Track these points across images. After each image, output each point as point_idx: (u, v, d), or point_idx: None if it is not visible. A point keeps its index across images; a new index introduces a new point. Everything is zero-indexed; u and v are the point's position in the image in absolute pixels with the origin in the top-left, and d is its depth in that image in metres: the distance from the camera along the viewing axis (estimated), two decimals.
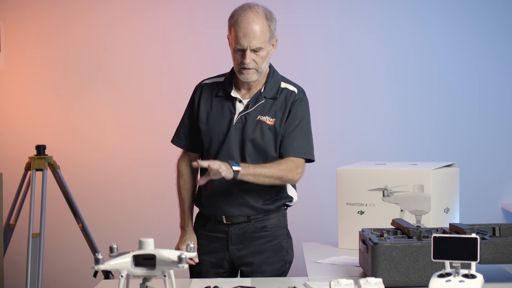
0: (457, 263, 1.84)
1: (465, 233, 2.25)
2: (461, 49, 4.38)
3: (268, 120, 2.65)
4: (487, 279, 1.95)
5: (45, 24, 4.46)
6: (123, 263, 1.82)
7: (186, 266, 1.80)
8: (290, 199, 2.76)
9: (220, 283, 2.37)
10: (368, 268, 2.29)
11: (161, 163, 4.29)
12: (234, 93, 2.68)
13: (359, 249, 2.48)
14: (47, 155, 3.62)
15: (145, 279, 1.89)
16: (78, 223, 3.73)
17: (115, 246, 1.87)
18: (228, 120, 2.66)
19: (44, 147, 3.62)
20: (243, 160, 2.62)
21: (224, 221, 2.69)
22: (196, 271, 2.74)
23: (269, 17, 2.58)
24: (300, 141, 2.66)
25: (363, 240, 2.41)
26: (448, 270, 1.86)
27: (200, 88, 2.76)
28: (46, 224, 3.56)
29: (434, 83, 4.39)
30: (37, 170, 3.56)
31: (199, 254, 2.72)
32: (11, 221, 3.65)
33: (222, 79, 2.75)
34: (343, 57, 4.41)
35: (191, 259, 2.69)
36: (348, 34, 4.39)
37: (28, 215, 3.48)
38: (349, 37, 4.39)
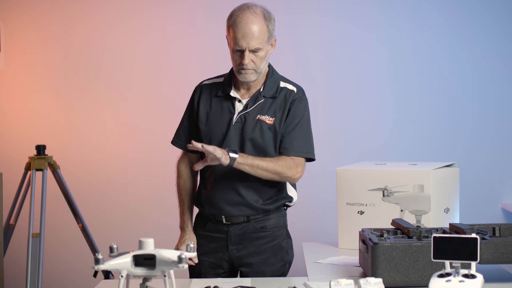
0: (457, 263, 1.84)
1: (465, 233, 2.25)
2: (460, 49, 4.38)
3: (268, 120, 2.65)
4: (487, 279, 1.95)
5: (45, 24, 4.46)
6: (123, 263, 1.82)
7: (186, 266, 1.80)
8: (290, 199, 2.76)
9: (220, 283, 2.37)
10: (368, 268, 2.29)
11: (161, 163, 4.29)
12: (233, 93, 2.68)
13: (359, 249, 2.48)
14: (47, 155, 3.62)
15: (145, 279, 1.89)
16: (78, 223, 3.73)
17: (115, 246, 1.87)
18: (228, 120, 2.66)
19: (44, 147, 3.62)
20: None
21: (224, 221, 2.69)
22: (195, 272, 2.74)
23: (267, 17, 2.58)
24: (300, 140, 2.66)
25: (363, 240, 2.41)
26: (448, 270, 1.86)
27: (200, 89, 2.76)
28: (46, 224, 3.56)
29: (434, 83, 4.39)
30: (37, 170, 3.56)
31: (199, 255, 2.72)
32: (11, 221, 3.65)
33: (221, 79, 2.76)
34: (342, 57, 4.41)
35: (190, 259, 2.69)
36: (348, 34, 4.39)
37: (28, 215, 3.48)
38: (348, 37, 4.39)
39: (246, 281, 2.45)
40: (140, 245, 1.85)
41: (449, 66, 4.39)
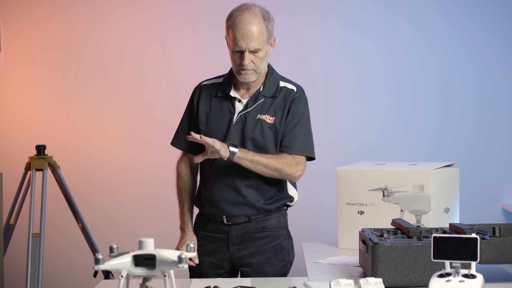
0: (457, 263, 1.84)
1: (465, 233, 2.25)
2: (460, 49, 4.38)
3: (268, 119, 2.65)
4: (487, 279, 1.95)
5: (45, 24, 4.46)
6: (123, 263, 1.82)
7: (186, 266, 1.80)
8: (291, 199, 2.76)
9: (220, 283, 2.37)
10: (368, 268, 2.29)
11: (161, 163, 4.28)
12: (233, 93, 2.68)
13: (359, 249, 2.48)
14: (47, 155, 3.62)
15: (145, 279, 1.89)
16: (78, 223, 3.73)
17: (115, 246, 1.87)
18: (228, 120, 2.66)
19: (44, 147, 3.62)
20: None
21: (225, 221, 2.69)
22: (196, 272, 2.74)
23: (266, 17, 2.58)
24: (301, 138, 2.66)
25: (363, 240, 2.41)
26: (448, 270, 1.86)
27: (199, 89, 2.76)
28: (46, 224, 3.56)
29: (434, 83, 4.39)
30: (37, 170, 3.56)
31: (199, 255, 2.72)
32: (11, 221, 3.65)
33: (220, 79, 2.76)
34: (342, 57, 4.41)
35: (191, 260, 2.69)
36: (348, 34, 4.39)
37: (28, 215, 3.48)
38: (348, 37, 4.39)
39: (246, 281, 2.45)
40: (140, 245, 1.85)
41: (449, 66, 4.39)
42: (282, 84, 2.71)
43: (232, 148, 2.53)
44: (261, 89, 2.68)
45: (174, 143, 2.80)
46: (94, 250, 3.70)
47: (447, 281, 1.82)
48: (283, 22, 4.04)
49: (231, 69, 2.71)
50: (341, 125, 4.40)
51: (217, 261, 2.72)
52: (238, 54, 2.57)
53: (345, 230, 2.94)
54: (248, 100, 2.67)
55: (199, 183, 2.81)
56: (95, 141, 4.46)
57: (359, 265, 2.51)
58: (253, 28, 2.53)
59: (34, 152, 3.63)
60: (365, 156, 4.16)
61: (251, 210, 2.67)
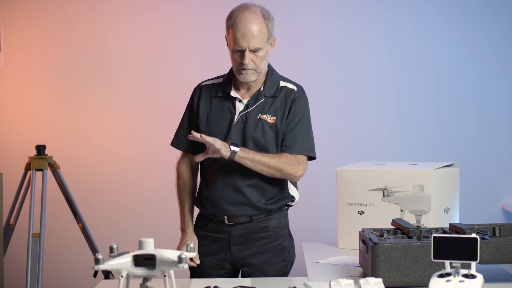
0: (457, 263, 1.84)
1: (465, 233, 2.25)
2: (460, 49, 4.38)
3: (269, 119, 2.65)
4: (487, 279, 1.95)
5: (45, 24, 4.46)
6: (123, 263, 1.82)
7: (186, 266, 1.80)
8: (292, 198, 2.76)
9: (220, 283, 2.37)
10: (368, 268, 2.29)
11: (161, 163, 4.28)
12: (233, 93, 2.68)
13: (359, 249, 2.48)
14: (47, 155, 3.62)
15: (145, 279, 1.89)
16: (78, 223, 3.73)
17: (115, 246, 1.87)
18: (229, 120, 2.66)
19: (44, 147, 3.62)
20: None
21: (226, 222, 2.69)
22: (197, 272, 2.74)
23: (266, 17, 2.59)
24: (301, 138, 2.67)
25: (363, 240, 2.41)
26: (448, 270, 1.86)
27: (199, 90, 2.76)
28: (46, 224, 3.56)
29: (434, 83, 4.39)
30: (37, 170, 3.56)
31: (200, 255, 2.72)
32: (11, 221, 3.65)
33: (220, 80, 2.76)
34: (342, 57, 4.41)
35: (192, 260, 2.69)
36: (348, 34, 4.39)
37: (28, 215, 3.48)
38: (348, 37, 4.39)
39: (246, 281, 2.45)
40: (140, 245, 1.85)
41: (449, 66, 4.39)
42: (282, 84, 2.71)
43: (233, 147, 2.54)
44: (261, 89, 2.68)
45: (174, 143, 2.80)
46: (94, 250, 3.70)
47: (447, 281, 1.82)
48: (283, 22, 4.04)
49: (231, 69, 2.71)
50: (341, 125, 4.40)
51: (218, 261, 2.72)
52: (238, 54, 2.57)
53: (345, 230, 2.94)
54: (248, 100, 2.67)
55: (200, 183, 2.81)
56: (95, 141, 4.46)
57: (359, 265, 2.51)
58: (253, 27, 2.54)
59: (34, 152, 3.63)
60: (365, 156, 4.16)
61: (252, 210, 2.67)
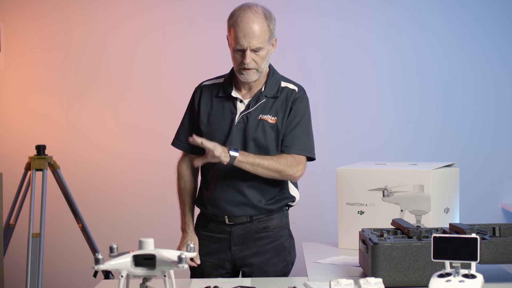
0: (457, 263, 1.84)
1: (465, 233, 2.25)
2: (460, 49, 4.38)
3: (270, 119, 2.65)
4: (487, 279, 1.95)
5: (45, 24, 4.46)
6: (123, 263, 1.82)
7: (186, 266, 1.80)
8: (293, 199, 2.76)
9: (220, 283, 2.37)
10: (368, 268, 2.29)
11: (161, 163, 4.29)
12: (234, 93, 2.68)
13: (359, 249, 2.48)
14: (47, 155, 3.62)
15: (145, 279, 1.89)
16: (78, 223, 3.73)
17: (115, 246, 1.87)
18: (230, 120, 2.66)
19: (44, 147, 3.62)
20: None
21: (227, 222, 2.69)
22: (198, 272, 2.74)
23: (268, 16, 2.58)
24: (301, 138, 2.67)
25: (363, 240, 2.41)
26: (448, 270, 1.86)
27: (200, 90, 2.76)
28: (46, 224, 3.56)
29: (434, 83, 4.39)
30: (37, 170, 3.56)
31: (201, 255, 2.72)
32: (11, 221, 3.65)
33: (221, 80, 2.75)
34: (342, 57, 4.41)
35: (192, 260, 2.69)
36: (348, 34, 4.39)
37: (28, 215, 3.48)
38: (348, 37, 4.39)
39: (246, 281, 2.45)
40: (140, 245, 1.85)
41: (449, 66, 4.39)
42: (283, 84, 2.70)
43: (232, 153, 2.53)
44: (262, 89, 2.67)
45: (175, 143, 2.80)
46: (94, 250, 3.70)
47: (447, 281, 1.82)
48: (283, 22, 4.02)
49: (232, 69, 2.71)
50: (341, 125, 4.40)
51: (219, 261, 2.72)
52: (239, 53, 2.57)
53: (345, 230, 2.94)
54: (249, 101, 2.67)
55: (200, 183, 2.81)
56: (95, 141, 4.46)
57: (359, 265, 2.51)
58: (254, 26, 2.53)
59: (34, 152, 3.63)
60: (365, 156, 4.16)
61: (253, 210, 2.67)
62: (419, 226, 2.57)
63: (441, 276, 1.85)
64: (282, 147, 2.66)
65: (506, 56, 4.37)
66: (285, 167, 2.61)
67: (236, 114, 2.66)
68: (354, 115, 4.40)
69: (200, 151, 2.68)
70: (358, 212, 2.92)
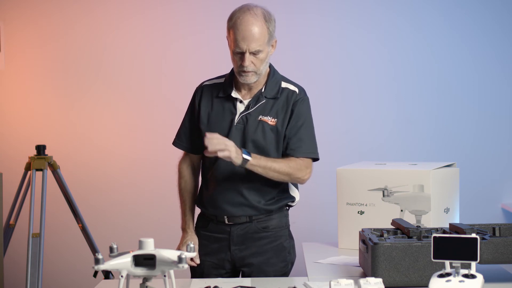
0: (457, 263, 1.84)
1: (465, 233, 2.25)
2: (460, 49, 4.38)
3: (270, 121, 2.64)
4: (487, 279, 1.95)
5: (45, 24, 4.46)
6: (123, 263, 1.82)
7: (186, 266, 1.80)
8: (293, 199, 2.76)
9: (220, 283, 2.37)
10: (368, 268, 2.29)
11: (161, 163, 4.29)
12: (234, 94, 2.68)
13: (359, 249, 2.48)
14: (47, 155, 3.62)
15: (145, 279, 1.89)
16: (78, 223, 3.73)
17: (115, 246, 1.87)
18: (229, 121, 2.66)
19: (44, 147, 3.62)
20: None
21: (226, 222, 2.69)
22: (197, 272, 2.74)
23: (268, 18, 2.57)
24: (307, 141, 2.66)
25: (363, 240, 2.41)
26: (448, 270, 1.86)
27: (201, 90, 2.76)
28: (46, 224, 3.56)
29: (434, 83, 4.39)
30: (37, 170, 3.56)
31: (201, 255, 2.72)
32: (11, 221, 3.65)
33: (222, 80, 2.75)
34: (342, 57, 4.41)
35: (192, 260, 2.70)
36: (348, 34, 4.39)
37: (28, 215, 3.48)
38: (348, 37, 4.39)
39: (246, 281, 2.45)
40: (140, 245, 1.85)
41: (449, 66, 4.39)
42: (284, 85, 2.70)
43: (245, 156, 2.51)
44: (262, 90, 2.67)
45: (176, 143, 2.80)
46: (94, 250, 3.70)
47: (447, 281, 1.82)
48: (283, 22, 4.02)
49: (232, 69, 2.71)
50: (341, 125, 4.40)
51: (218, 261, 2.72)
52: (238, 55, 2.57)
53: (345, 230, 2.94)
54: (249, 101, 2.66)
55: (201, 183, 2.80)
56: (95, 141, 4.46)
57: (359, 265, 2.51)
58: (254, 29, 2.53)
59: (34, 152, 3.63)
60: (365, 156, 4.16)
61: (252, 211, 2.67)
62: (419, 226, 2.57)
63: (441, 276, 1.85)
64: (288, 150, 2.65)
65: (506, 56, 4.37)
66: (295, 171, 2.61)
67: (235, 114, 2.66)
68: (354, 115, 4.40)
69: (201, 151, 2.69)
70: (358, 212, 2.92)
